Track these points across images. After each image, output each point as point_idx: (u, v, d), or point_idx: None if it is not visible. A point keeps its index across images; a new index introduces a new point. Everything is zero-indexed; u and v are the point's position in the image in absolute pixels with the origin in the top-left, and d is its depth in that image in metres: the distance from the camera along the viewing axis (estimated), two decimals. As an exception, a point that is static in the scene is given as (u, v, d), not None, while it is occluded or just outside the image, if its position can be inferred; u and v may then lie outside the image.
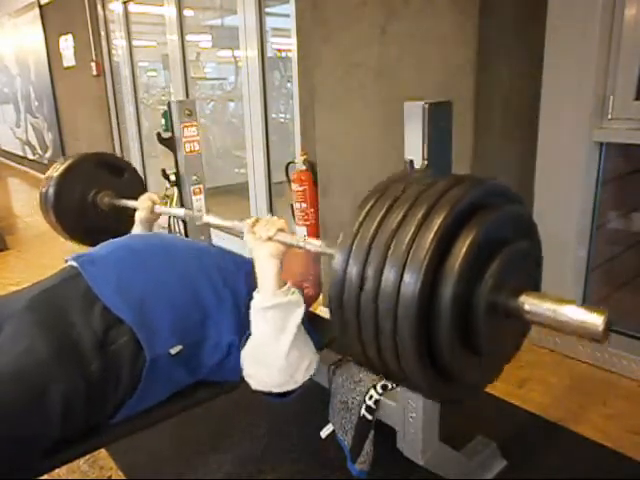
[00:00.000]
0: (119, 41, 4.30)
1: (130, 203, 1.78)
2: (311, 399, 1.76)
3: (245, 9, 2.80)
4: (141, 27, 4.39)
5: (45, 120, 6.12)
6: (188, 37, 3.62)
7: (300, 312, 1.11)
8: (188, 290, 1.21)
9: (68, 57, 5.02)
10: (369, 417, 1.35)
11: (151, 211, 1.63)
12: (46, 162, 6.41)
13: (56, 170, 1.86)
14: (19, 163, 7.61)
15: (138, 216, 1.65)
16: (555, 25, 1.81)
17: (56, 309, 1.10)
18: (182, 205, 1.90)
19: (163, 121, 1.86)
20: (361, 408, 1.36)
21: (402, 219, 0.70)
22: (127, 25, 4.18)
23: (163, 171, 1.90)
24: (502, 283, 0.72)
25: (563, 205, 1.93)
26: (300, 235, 1.08)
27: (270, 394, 1.15)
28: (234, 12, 2.92)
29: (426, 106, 0.99)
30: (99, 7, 4.36)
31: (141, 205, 1.64)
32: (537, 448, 1.53)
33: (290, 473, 1.47)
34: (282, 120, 3.33)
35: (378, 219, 0.72)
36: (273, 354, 1.10)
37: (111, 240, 1.35)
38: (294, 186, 2.46)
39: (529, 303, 0.72)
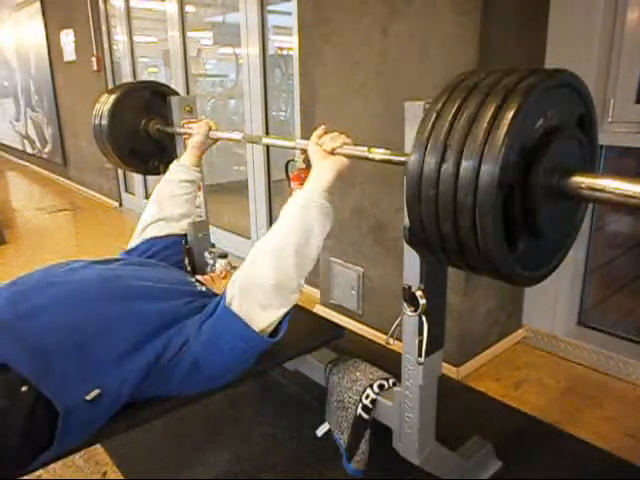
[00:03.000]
0: (120, 37, 4.28)
1: (182, 129, 1.82)
2: (308, 398, 1.77)
3: (247, 6, 2.79)
4: (142, 23, 4.37)
5: (45, 115, 6.10)
6: (189, 34, 3.61)
7: (330, 225, 1.14)
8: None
9: (69, 52, 5.00)
10: (365, 416, 1.35)
11: (207, 136, 1.65)
12: (45, 156, 6.40)
13: (105, 103, 1.85)
14: (18, 157, 7.61)
15: (194, 140, 1.66)
16: (556, 27, 1.82)
17: None
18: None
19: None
20: (357, 407, 1.36)
21: (474, 115, 0.76)
22: (128, 21, 4.16)
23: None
24: (557, 168, 0.80)
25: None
26: (364, 146, 1.11)
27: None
28: (236, 9, 2.92)
29: (426, 106, 0.99)
30: (100, 2, 4.35)
31: (197, 130, 1.66)
32: (533, 449, 1.53)
33: (287, 472, 1.47)
34: (282, 118, 3.32)
35: (450, 117, 0.79)
36: (309, 248, 1.12)
37: (30, 272, 1.27)
38: (293, 185, 2.45)
39: (585, 183, 0.81)
